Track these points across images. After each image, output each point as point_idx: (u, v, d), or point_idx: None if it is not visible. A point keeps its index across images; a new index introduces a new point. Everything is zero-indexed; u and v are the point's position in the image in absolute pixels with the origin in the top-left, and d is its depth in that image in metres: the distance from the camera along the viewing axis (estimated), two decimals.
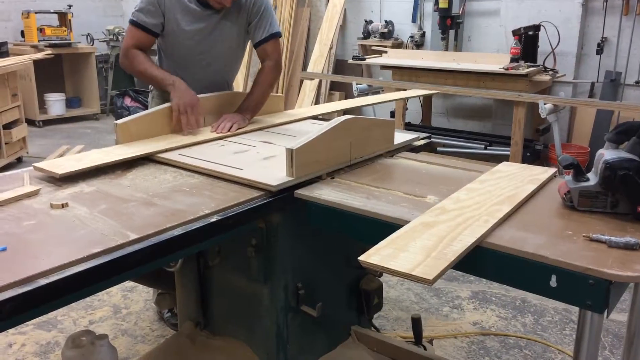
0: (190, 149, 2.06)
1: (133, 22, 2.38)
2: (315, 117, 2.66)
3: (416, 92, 3.71)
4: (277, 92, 6.54)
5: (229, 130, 2.29)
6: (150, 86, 2.64)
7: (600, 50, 4.90)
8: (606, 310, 1.23)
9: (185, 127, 2.21)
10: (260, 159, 1.95)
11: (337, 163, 1.88)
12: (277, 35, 2.51)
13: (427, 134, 2.40)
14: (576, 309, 2.82)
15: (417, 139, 2.31)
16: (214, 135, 2.23)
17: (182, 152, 2.02)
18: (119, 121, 2.09)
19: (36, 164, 1.81)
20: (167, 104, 2.23)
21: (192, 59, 2.46)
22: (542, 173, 1.80)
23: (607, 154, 1.46)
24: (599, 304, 1.21)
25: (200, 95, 2.32)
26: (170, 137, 2.18)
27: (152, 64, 2.40)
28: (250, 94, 2.49)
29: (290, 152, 1.71)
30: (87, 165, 1.80)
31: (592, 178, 1.49)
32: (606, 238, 1.31)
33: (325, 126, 1.84)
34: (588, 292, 1.20)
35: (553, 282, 1.24)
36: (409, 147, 2.24)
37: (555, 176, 1.80)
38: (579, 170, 1.50)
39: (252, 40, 2.53)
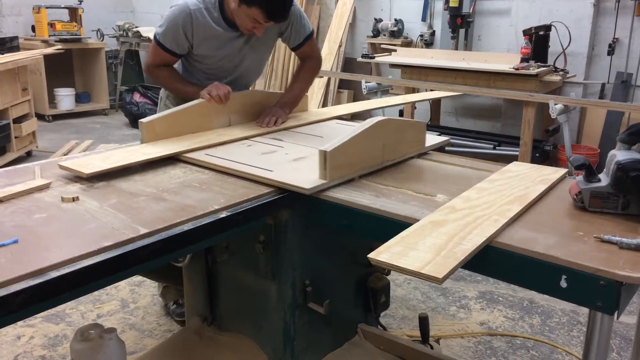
0: (217, 149, 2.02)
1: (158, 43, 2.31)
2: (340, 117, 2.63)
3: (442, 93, 3.67)
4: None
5: (274, 125, 2.30)
6: (163, 90, 2.60)
7: (611, 51, 4.86)
8: (616, 312, 1.22)
9: (212, 93, 2.19)
10: (289, 160, 1.91)
11: (369, 165, 1.83)
12: (312, 34, 2.51)
13: (447, 137, 2.36)
14: (584, 310, 2.83)
15: (447, 142, 2.26)
16: (240, 134, 2.19)
17: (209, 152, 1.98)
18: (144, 120, 2.05)
19: (61, 163, 1.78)
20: (191, 102, 2.20)
21: (216, 77, 2.41)
22: (552, 173, 1.79)
23: (619, 154, 1.45)
24: (609, 305, 1.20)
25: None
26: (196, 136, 2.14)
27: (180, 78, 2.39)
28: (289, 89, 2.52)
29: (324, 154, 1.66)
30: (113, 164, 1.78)
31: (604, 179, 1.48)
32: (617, 239, 1.30)
33: (358, 127, 1.79)
34: (599, 293, 1.20)
35: (563, 283, 1.24)
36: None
37: (566, 177, 1.79)
38: (590, 171, 1.49)
39: (288, 45, 2.52)
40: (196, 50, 2.32)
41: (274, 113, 2.37)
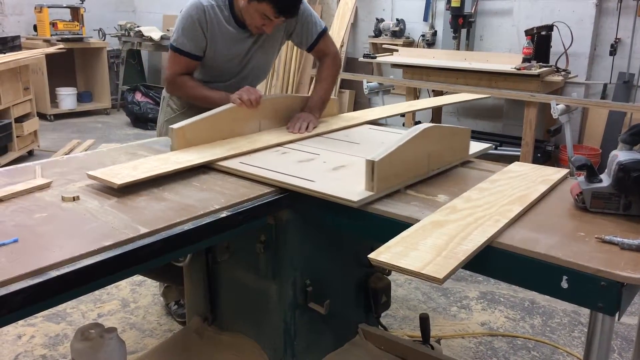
0: (251, 157, 1.94)
1: (177, 50, 2.27)
2: (372, 122, 2.53)
3: (471, 95, 3.60)
4: (294, 93, 6.54)
5: (306, 130, 2.24)
6: (164, 92, 2.57)
7: (613, 52, 4.85)
8: (618, 313, 1.22)
9: (243, 97, 2.14)
10: (328, 169, 1.82)
11: (415, 175, 1.73)
12: (326, 30, 2.46)
13: (490, 144, 2.24)
14: (585, 311, 2.83)
15: (490, 148, 2.18)
16: (273, 141, 2.10)
17: (244, 159, 1.89)
18: (175, 126, 1.97)
19: (90, 172, 1.68)
20: (222, 107, 2.12)
21: (224, 78, 2.40)
22: (554, 174, 1.79)
23: (621, 155, 1.45)
24: (610, 306, 1.19)
25: None
26: (227, 142, 2.06)
27: (203, 86, 2.32)
28: (314, 92, 2.45)
29: (372, 164, 1.56)
30: (145, 174, 1.68)
31: (605, 179, 1.48)
32: (619, 240, 1.30)
33: (404, 135, 1.70)
34: (600, 294, 1.19)
35: (564, 284, 1.23)
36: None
37: (567, 177, 1.79)
38: (592, 172, 1.49)
39: (302, 47, 2.48)
40: (209, 48, 2.29)
41: (305, 118, 2.30)
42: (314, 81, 2.49)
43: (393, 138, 1.73)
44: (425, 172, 1.78)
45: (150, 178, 1.68)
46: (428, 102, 3.54)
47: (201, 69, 2.38)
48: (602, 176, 1.49)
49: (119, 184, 1.60)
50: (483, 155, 2.11)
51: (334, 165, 1.86)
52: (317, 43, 2.43)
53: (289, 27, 2.39)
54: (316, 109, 2.38)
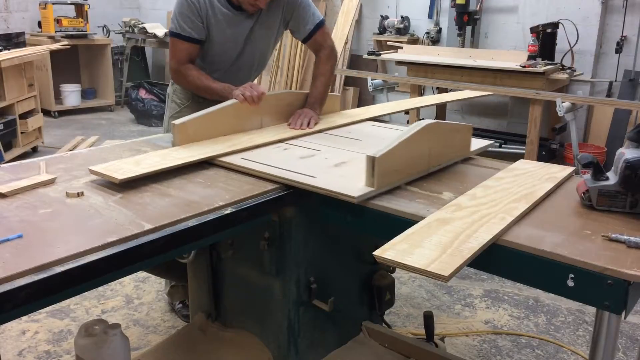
0: (252, 152, 1.94)
1: (176, 35, 2.27)
2: (374, 119, 2.54)
3: (475, 93, 3.59)
4: (298, 89, 6.53)
5: (307, 127, 2.24)
6: (170, 84, 2.58)
7: (619, 49, 4.82)
8: (624, 312, 1.21)
9: (249, 99, 2.12)
10: (330, 165, 1.83)
11: (417, 172, 1.74)
12: (323, 22, 2.46)
13: (491, 141, 2.22)
14: (590, 309, 2.82)
15: (493, 145, 2.17)
16: (274, 137, 2.11)
17: (245, 155, 1.90)
18: (177, 122, 1.97)
19: (92, 168, 1.68)
20: (224, 103, 2.13)
21: (222, 64, 2.41)
22: (560, 171, 1.78)
23: (628, 153, 1.44)
24: (617, 304, 1.19)
25: None
26: (229, 138, 2.06)
27: (207, 77, 2.31)
28: (313, 88, 2.44)
29: (372, 160, 1.57)
30: (147, 170, 1.68)
31: (612, 177, 1.47)
32: (625, 238, 1.29)
33: (405, 131, 1.70)
34: (606, 292, 1.19)
35: (570, 282, 1.23)
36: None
37: (573, 175, 1.78)
38: (598, 169, 1.48)
39: (298, 38, 2.48)
40: (205, 31, 2.29)
41: (306, 114, 2.30)
42: (312, 77, 2.49)
43: (395, 135, 1.72)
44: (426, 169, 1.78)
45: (152, 173, 1.69)
46: (430, 99, 3.52)
47: (202, 50, 2.37)
48: (609, 174, 1.48)
49: (120, 179, 1.60)
50: (488, 153, 2.11)
51: (335, 161, 1.87)
52: (314, 33, 2.43)
53: (287, 14, 2.39)
54: (317, 104, 2.39)
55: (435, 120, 1.81)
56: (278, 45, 6.71)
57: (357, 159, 1.80)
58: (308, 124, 2.26)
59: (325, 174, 1.72)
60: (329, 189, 1.59)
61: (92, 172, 1.67)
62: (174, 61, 2.33)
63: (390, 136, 1.77)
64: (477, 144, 2.07)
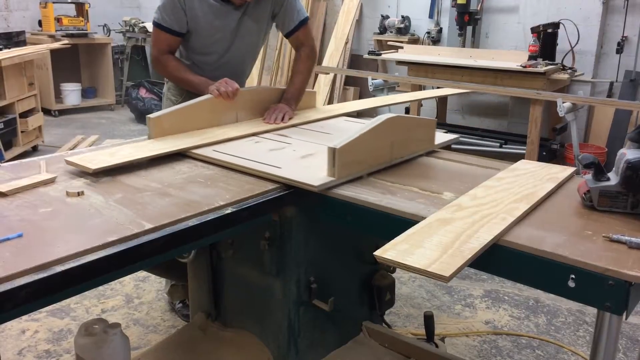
0: (225, 145, 2.01)
1: (158, 25, 2.32)
2: (348, 114, 2.60)
3: (449, 90, 3.65)
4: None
5: (282, 121, 2.30)
6: (165, 82, 2.62)
7: (620, 50, 4.82)
8: (625, 312, 1.21)
9: (219, 89, 2.17)
10: (298, 157, 1.90)
11: (378, 163, 1.81)
12: (307, 20, 2.51)
13: (456, 135, 2.35)
14: (590, 310, 2.82)
15: (456, 139, 2.25)
16: (247, 131, 2.17)
17: (217, 148, 1.97)
18: (152, 115, 2.04)
19: (68, 158, 1.76)
20: (199, 98, 2.18)
21: (211, 56, 2.43)
22: (560, 172, 1.78)
23: (629, 153, 1.43)
24: (618, 305, 1.18)
25: None
26: (204, 132, 2.12)
27: (187, 69, 2.37)
28: (291, 84, 2.51)
29: (333, 151, 1.64)
30: (120, 160, 1.76)
31: (613, 178, 1.46)
32: (626, 239, 1.28)
33: (367, 124, 1.77)
34: (607, 293, 1.18)
35: (571, 283, 1.22)
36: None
37: (574, 175, 1.78)
38: (599, 170, 1.48)
39: (282, 31, 2.53)
40: (191, 23, 2.31)
41: (281, 109, 2.36)
42: (291, 73, 2.58)
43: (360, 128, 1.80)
44: (389, 160, 1.86)
45: (125, 164, 1.76)
46: (405, 96, 3.57)
47: (189, 46, 2.41)
48: (610, 174, 1.48)
49: (93, 168, 1.68)
50: (488, 153, 2.11)
51: (302, 153, 1.94)
52: (297, 30, 2.48)
53: (275, 7, 2.44)
54: (292, 100, 2.45)
55: (396, 114, 1.88)
56: (278, 44, 6.73)
57: (323, 151, 1.83)
58: (282, 119, 2.32)
59: (291, 165, 1.80)
60: (291, 178, 1.67)
61: (68, 162, 1.75)
62: (155, 50, 2.39)
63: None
64: (441, 137, 2.15)
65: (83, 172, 1.72)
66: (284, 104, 2.41)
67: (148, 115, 2.05)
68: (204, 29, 2.34)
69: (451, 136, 2.25)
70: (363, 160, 1.75)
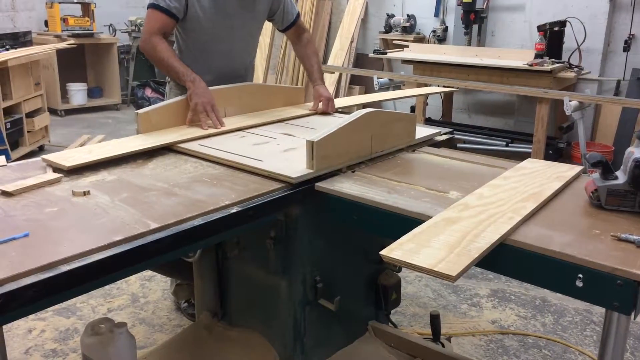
0: (211, 140, 2.05)
1: (155, 6, 2.30)
2: (335, 110, 2.63)
3: (437, 88, 3.68)
4: (297, 85, 6.52)
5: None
6: (168, 82, 2.64)
7: (627, 48, 4.79)
8: (633, 312, 1.20)
9: (204, 125, 2.16)
10: (280, 151, 1.94)
11: (357, 156, 1.86)
12: (300, 14, 2.70)
13: (450, 129, 2.36)
14: (597, 309, 2.80)
15: (439, 133, 2.28)
16: (234, 126, 2.22)
17: (203, 142, 2.01)
18: (140, 111, 2.08)
19: (44, 156, 1.79)
20: (187, 94, 2.22)
21: (212, 45, 2.45)
22: (568, 170, 1.77)
23: (637, 152, 1.42)
24: (626, 305, 1.18)
25: (221, 87, 2.33)
26: (191, 127, 2.17)
27: (174, 55, 2.36)
28: (311, 66, 2.68)
29: (311, 145, 1.69)
30: (96, 157, 1.78)
31: (621, 176, 1.45)
32: (635, 238, 1.27)
33: (346, 119, 1.82)
34: (616, 293, 1.17)
35: (579, 282, 1.21)
36: (430, 142, 2.21)
37: (581, 174, 1.77)
38: (607, 169, 1.47)
39: (281, 25, 2.64)
40: (189, 9, 2.32)
41: (328, 97, 2.53)
42: (303, 57, 2.74)
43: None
44: (369, 154, 1.91)
45: (103, 160, 1.78)
46: (388, 94, 3.62)
47: (191, 33, 2.42)
48: (618, 173, 1.47)
49: (68, 166, 1.70)
50: (494, 152, 2.11)
51: (285, 147, 1.98)
52: (295, 23, 2.65)
53: (274, 5, 2.55)
54: (320, 79, 2.63)
55: (375, 109, 1.91)
56: (284, 43, 6.72)
57: (305, 145, 1.83)
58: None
59: (273, 158, 1.83)
60: (271, 170, 1.71)
61: (44, 160, 1.77)
62: (147, 29, 2.35)
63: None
64: (422, 132, 2.20)
65: (89, 172, 1.72)
66: (321, 89, 2.57)
67: (137, 111, 2.09)
68: (203, 15, 2.35)
69: (433, 130, 2.28)
70: (343, 154, 1.80)
